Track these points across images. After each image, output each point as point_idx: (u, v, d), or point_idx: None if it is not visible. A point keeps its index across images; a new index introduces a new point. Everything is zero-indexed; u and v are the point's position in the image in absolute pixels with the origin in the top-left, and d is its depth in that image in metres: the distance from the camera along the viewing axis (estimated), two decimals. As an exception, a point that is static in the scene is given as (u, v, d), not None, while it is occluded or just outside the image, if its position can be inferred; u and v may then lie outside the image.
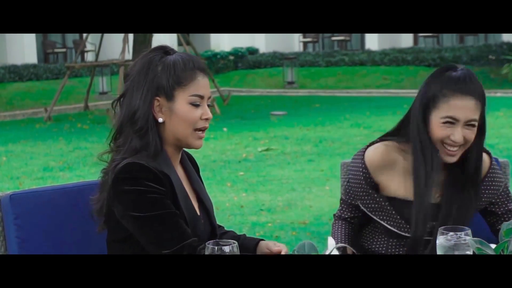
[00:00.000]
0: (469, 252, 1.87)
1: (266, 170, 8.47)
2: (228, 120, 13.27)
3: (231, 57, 22.05)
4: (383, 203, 2.43)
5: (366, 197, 2.46)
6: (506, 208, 2.48)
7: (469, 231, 1.89)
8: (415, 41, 22.99)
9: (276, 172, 8.33)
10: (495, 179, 2.46)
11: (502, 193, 2.48)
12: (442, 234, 1.89)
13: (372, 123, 12.03)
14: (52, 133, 12.44)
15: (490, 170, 2.45)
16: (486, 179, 2.45)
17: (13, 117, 15.37)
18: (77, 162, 9.41)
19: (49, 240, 2.29)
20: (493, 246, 1.83)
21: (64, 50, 22.98)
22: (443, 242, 1.89)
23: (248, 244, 2.20)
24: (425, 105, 2.34)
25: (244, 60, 22.16)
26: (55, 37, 22.88)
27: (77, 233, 2.31)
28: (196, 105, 2.11)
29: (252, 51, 22.95)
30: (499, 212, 2.48)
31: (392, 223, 2.43)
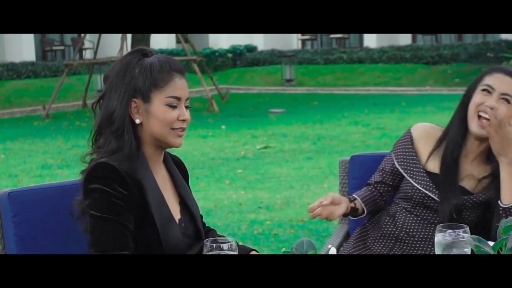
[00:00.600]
0: (467, 250, 1.86)
1: (265, 168, 8.47)
2: (226, 117, 13.27)
3: (230, 55, 22.03)
4: (417, 162, 2.60)
5: (405, 155, 2.65)
6: None
7: (467, 229, 1.89)
8: (414, 39, 22.98)
9: (274, 170, 8.33)
10: None
11: None
12: (440, 231, 1.89)
13: (370, 120, 12.02)
14: (50, 131, 12.43)
15: None
16: None
17: (11, 114, 15.37)
18: (75, 160, 9.38)
19: (48, 238, 2.29)
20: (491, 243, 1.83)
21: (62, 47, 22.96)
22: (441, 240, 1.89)
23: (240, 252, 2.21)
24: (475, 82, 2.55)
25: (242, 58, 22.14)
26: (53, 35, 22.85)
27: (75, 231, 2.31)
28: (173, 107, 2.14)
29: (251, 48, 22.94)
30: None
31: (419, 181, 2.58)
